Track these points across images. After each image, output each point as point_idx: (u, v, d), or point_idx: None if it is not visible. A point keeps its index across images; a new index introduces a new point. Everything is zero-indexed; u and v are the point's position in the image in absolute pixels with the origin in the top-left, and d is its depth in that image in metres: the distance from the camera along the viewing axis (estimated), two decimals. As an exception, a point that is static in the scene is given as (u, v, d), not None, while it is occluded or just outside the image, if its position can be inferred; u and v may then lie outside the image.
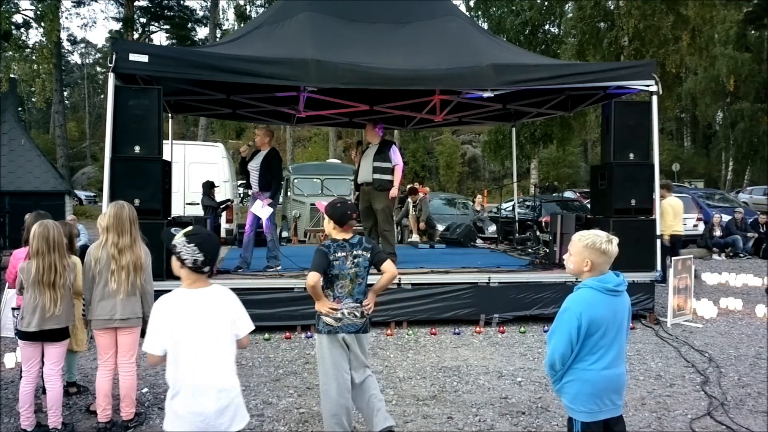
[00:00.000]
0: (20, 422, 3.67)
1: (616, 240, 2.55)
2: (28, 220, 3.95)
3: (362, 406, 3.45)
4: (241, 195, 17.41)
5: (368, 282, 3.46)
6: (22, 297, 3.74)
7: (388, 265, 3.40)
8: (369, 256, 3.38)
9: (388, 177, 7.27)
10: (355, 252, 3.33)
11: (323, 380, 3.34)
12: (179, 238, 2.41)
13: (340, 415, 3.29)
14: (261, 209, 6.88)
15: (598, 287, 2.50)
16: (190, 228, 2.50)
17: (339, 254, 3.29)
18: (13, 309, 3.99)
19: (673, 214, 8.86)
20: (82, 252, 4.20)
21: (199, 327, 2.37)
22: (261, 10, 28.43)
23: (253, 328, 2.57)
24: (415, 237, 12.13)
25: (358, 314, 3.35)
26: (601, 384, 2.53)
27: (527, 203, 15.07)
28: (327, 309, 3.29)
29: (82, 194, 28.89)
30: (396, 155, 7.37)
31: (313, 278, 3.22)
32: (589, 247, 2.52)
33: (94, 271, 3.71)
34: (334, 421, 3.29)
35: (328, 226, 3.39)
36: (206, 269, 2.42)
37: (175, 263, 2.45)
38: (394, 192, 7.36)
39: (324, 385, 3.34)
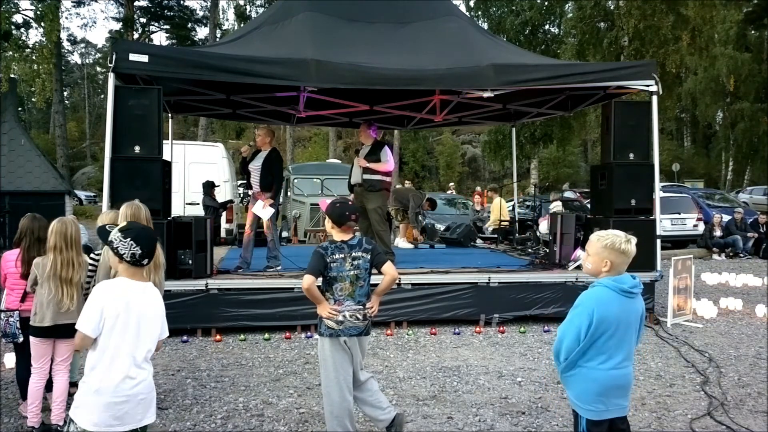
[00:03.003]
0: (27, 420, 3.68)
1: (634, 240, 2.57)
2: (23, 223, 3.95)
3: (366, 404, 3.46)
4: (242, 195, 17.41)
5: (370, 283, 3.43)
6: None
7: (388, 268, 3.35)
8: (369, 257, 3.33)
9: (378, 177, 7.23)
10: (354, 254, 3.28)
11: (325, 383, 3.33)
12: (115, 234, 2.45)
13: (343, 417, 3.28)
14: (262, 210, 6.88)
15: (613, 287, 2.51)
16: (124, 223, 2.55)
17: (337, 256, 3.25)
18: (1, 311, 3.97)
19: (501, 210, 12.24)
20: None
21: (133, 319, 2.41)
22: (261, 10, 28.43)
23: (168, 334, 2.62)
24: (401, 241, 10.86)
25: (360, 317, 3.30)
26: (608, 383, 2.55)
27: (527, 203, 15.07)
28: (327, 312, 3.26)
29: (82, 194, 28.83)
30: (387, 156, 7.29)
31: (308, 281, 3.18)
32: (608, 247, 2.52)
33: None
34: (337, 422, 3.28)
35: (328, 225, 3.39)
36: (145, 262, 2.45)
37: (113, 259, 2.48)
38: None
39: (326, 388, 3.32)
